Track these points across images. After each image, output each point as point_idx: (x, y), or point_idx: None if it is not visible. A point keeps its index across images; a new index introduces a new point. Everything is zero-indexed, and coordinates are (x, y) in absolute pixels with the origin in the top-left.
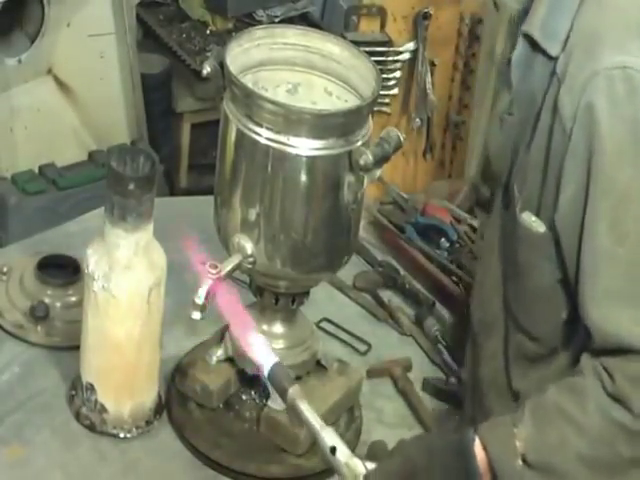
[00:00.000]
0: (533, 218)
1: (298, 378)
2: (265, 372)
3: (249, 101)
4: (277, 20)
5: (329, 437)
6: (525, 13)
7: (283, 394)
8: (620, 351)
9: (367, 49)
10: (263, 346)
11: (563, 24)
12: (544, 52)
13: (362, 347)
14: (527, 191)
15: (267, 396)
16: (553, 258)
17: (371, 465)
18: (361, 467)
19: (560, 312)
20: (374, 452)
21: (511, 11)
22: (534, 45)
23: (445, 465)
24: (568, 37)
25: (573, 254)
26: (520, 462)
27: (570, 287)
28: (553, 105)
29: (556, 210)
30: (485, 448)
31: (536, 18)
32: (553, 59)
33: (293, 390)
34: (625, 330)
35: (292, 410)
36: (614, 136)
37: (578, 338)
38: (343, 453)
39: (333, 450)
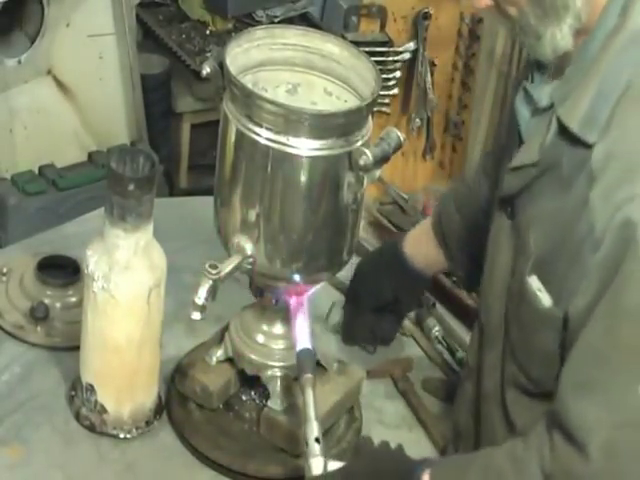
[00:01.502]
0: (541, 288)
1: (298, 379)
2: (296, 350)
3: (249, 101)
4: (277, 20)
5: (310, 431)
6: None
7: (299, 376)
8: (571, 439)
9: (367, 49)
10: (304, 329)
11: (604, 114)
12: (577, 139)
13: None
14: (541, 252)
15: (267, 397)
16: (555, 328)
17: (336, 466)
18: (316, 469)
19: (558, 366)
20: (357, 447)
21: (541, 58)
22: (566, 130)
23: None
24: (606, 126)
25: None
26: None
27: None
28: (584, 198)
29: (574, 301)
30: None
31: (578, 110)
32: (586, 145)
33: (307, 377)
34: (583, 425)
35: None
36: None
37: None
38: (313, 450)
39: (307, 442)
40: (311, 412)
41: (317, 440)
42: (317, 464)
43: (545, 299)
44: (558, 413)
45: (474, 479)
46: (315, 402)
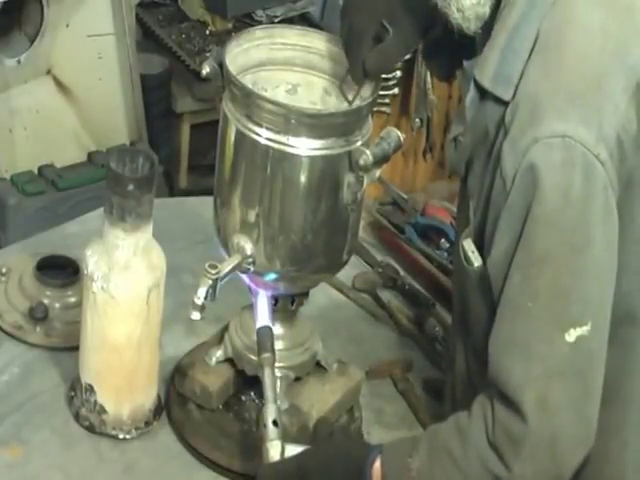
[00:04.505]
0: (474, 250)
1: (298, 379)
2: (255, 328)
3: (248, 101)
4: (277, 20)
5: (269, 413)
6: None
7: (258, 355)
8: (507, 401)
9: None
10: (265, 308)
11: (516, 69)
12: (496, 97)
13: None
14: (477, 220)
15: None
16: (485, 288)
17: (294, 450)
18: (274, 453)
19: None
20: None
21: (468, 32)
22: (484, 91)
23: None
24: (519, 82)
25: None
26: None
27: None
28: (497, 155)
29: (489, 256)
30: (384, 474)
31: (488, 66)
32: (504, 103)
33: (265, 356)
34: (514, 384)
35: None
36: (546, 203)
37: None
38: (270, 433)
39: (265, 425)
40: (269, 393)
41: (275, 423)
42: (274, 448)
43: (477, 260)
44: (492, 377)
45: (425, 456)
46: (274, 383)
